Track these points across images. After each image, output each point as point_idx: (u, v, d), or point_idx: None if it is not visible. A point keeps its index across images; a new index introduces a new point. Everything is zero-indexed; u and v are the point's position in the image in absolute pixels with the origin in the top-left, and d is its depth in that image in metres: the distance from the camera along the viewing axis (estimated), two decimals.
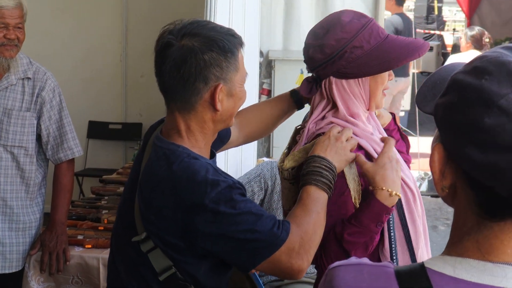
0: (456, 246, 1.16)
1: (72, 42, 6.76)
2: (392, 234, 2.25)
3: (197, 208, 1.98)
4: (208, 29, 2.09)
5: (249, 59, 4.19)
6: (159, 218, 2.03)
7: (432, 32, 17.81)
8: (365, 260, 1.22)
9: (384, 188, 2.10)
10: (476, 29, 8.67)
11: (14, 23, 3.38)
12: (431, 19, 18.40)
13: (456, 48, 13.02)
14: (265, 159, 5.06)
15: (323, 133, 2.25)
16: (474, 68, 1.11)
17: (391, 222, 2.25)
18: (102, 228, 3.66)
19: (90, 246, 3.42)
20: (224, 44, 2.06)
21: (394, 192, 2.12)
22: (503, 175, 1.05)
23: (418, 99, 1.27)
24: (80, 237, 3.52)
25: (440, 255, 1.17)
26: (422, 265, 1.14)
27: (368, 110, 2.32)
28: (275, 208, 3.66)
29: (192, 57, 2.03)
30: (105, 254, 3.35)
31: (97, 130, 6.97)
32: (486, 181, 1.08)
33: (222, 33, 2.09)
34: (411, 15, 20.98)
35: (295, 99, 2.60)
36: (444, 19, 19.68)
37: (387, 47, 2.23)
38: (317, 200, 2.10)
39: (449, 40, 17.16)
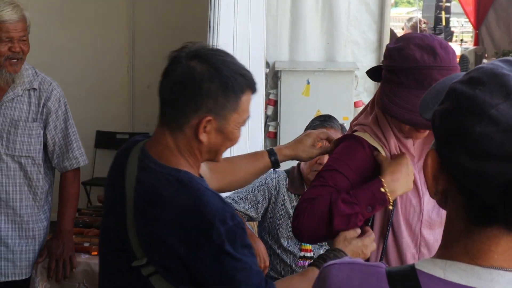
0: (446, 250, 1.20)
1: (80, 53, 6.81)
2: (387, 234, 2.33)
3: (203, 242, 1.96)
4: (221, 61, 2.05)
5: (255, 69, 4.23)
6: (161, 246, 1.99)
7: None
8: (359, 260, 1.27)
9: (384, 180, 2.24)
10: (414, 19, 9.95)
11: (18, 36, 3.41)
12: (439, 30, 18.39)
13: (464, 59, 13.04)
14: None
15: None
16: (470, 78, 1.16)
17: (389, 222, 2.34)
18: None
19: (96, 253, 3.46)
20: (228, 81, 2.03)
21: (388, 195, 2.20)
22: (490, 182, 1.09)
23: (421, 107, 1.33)
24: (86, 244, 3.57)
25: (431, 257, 1.21)
26: (412, 267, 1.18)
27: None
28: (279, 217, 3.70)
29: (190, 80, 2.01)
30: None
31: (105, 140, 7.03)
32: (474, 188, 1.12)
33: (232, 70, 2.05)
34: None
35: (273, 159, 2.61)
36: (452, 29, 19.68)
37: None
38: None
39: (457, 51, 17.17)
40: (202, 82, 2.01)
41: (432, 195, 1.23)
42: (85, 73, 6.83)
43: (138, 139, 2.20)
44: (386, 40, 6.47)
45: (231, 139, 2.11)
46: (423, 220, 2.44)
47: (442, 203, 1.23)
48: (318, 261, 2.24)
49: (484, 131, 1.09)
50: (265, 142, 5.91)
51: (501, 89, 1.10)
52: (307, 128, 3.67)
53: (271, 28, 6.31)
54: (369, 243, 2.29)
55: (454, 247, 1.19)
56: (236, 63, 2.10)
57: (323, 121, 3.72)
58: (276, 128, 6.34)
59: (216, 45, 3.20)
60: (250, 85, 2.09)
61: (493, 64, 1.16)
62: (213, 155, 2.15)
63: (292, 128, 5.87)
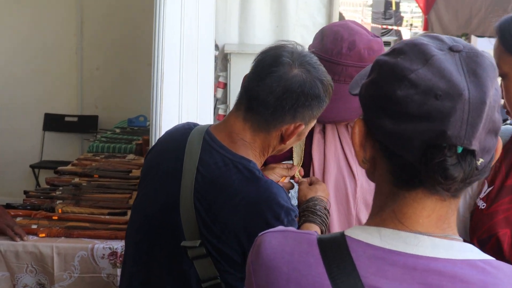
0: (375, 216, 1.25)
1: (27, 34, 6.76)
2: None
3: (268, 229, 1.98)
4: (321, 72, 2.08)
5: (205, 52, 4.23)
6: (223, 230, 2.00)
7: (389, 27, 17.99)
8: (291, 228, 1.32)
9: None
10: None
11: None
12: (389, 14, 18.58)
13: None
14: None
15: None
16: (392, 50, 1.23)
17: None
18: (56, 217, 3.68)
19: (44, 235, 3.43)
20: (324, 94, 2.07)
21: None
22: (411, 142, 1.15)
23: (351, 86, 1.39)
24: (34, 226, 3.54)
25: (361, 225, 1.27)
26: (342, 234, 1.23)
27: None
28: None
29: (300, 91, 2.02)
30: (58, 243, 3.38)
31: (53, 123, 6.99)
32: (396, 150, 1.18)
33: (327, 81, 2.08)
34: (368, 10, 21.19)
35: None
36: (402, 14, 19.88)
37: None
38: None
39: (406, 35, 17.35)
40: (309, 95, 2.03)
41: (361, 163, 1.28)
42: (32, 54, 6.78)
43: (192, 124, 2.21)
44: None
45: (295, 142, 2.18)
46: (358, 200, 2.52)
47: (370, 173, 1.28)
48: (309, 216, 2.30)
49: (404, 94, 1.15)
50: None
51: (419, 56, 1.17)
52: None
53: (221, 11, 6.31)
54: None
55: (381, 213, 1.24)
56: (326, 72, 2.12)
57: None
58: (225, 111, 6.35)
59: (162, 30, 3.18)
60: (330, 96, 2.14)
61: (415, 38, 1.24)
62: (275, 153, 2.21)
63: None
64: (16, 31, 6.75)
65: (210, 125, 2.17)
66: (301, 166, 2.57)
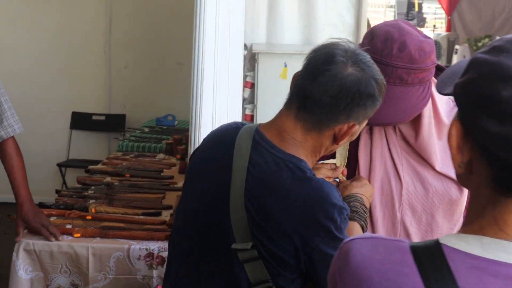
0: (471, 224, 1.18)
1: (56, 33, 6.76)
2: None
3: (322, 229, 1.95)
4: (375, 71, 2.03)
5: (235, 52, 4.20)
6: (275, 231, 1.96)
7: None
8: (379, 235, 1.26)
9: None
10: None
11: None
12: (412, 15, 18.49)
13: (436, 44, 13.10)
14: None
15: None
16: (492, 47, 1.17)
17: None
18: (90, 217, 3.65)
19: (79, 235, 3.40)
20: (379, 94, 2.03)
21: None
22: None
23: (438, 85, 1.32)
24: (68, 226, 3.51)
25: (455, 233, 1.19)
26: (437, 241, 1.16)
27: None
28: None
29: (355, 90, 1.97)
30: (94, 243, 3.35)
31: (81, 121, 6.99)
32: (501, 153, 1.11)
33: (380, 80, 2.04)
34: (391, 12, 21.09)
35: None
36: (424, 15, 19.78)
37: None
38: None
39: (430, 36, 17.28)
40: (364, 96, 1.99)
41: (457, 167, 1.21)
42: (60, 53, 6.77)
43: (240, 123, 2.17)
44: (364, 23, 6.46)
45: (349, 140, 2.14)
46: (403, 203, 2.46)
47: (464, 177, 1.22)
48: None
49: (511, 95, 1.09)
50: None
51: None
52: None
53: (249, 10, 6.26)
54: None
55: (479, 220, 1.17)
56: (379, 71, 2.07)
57: None
58: (252, 111, 6.32)
59: (203, 31, 3.15)
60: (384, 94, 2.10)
61: None
62: (326, 154, 2.18)
63: (268, 110, 5.87)
64: (44, 30, 6.75)
65: (259, 124, 2.12)
66: (345, 166, 2.53)
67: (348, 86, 1.96)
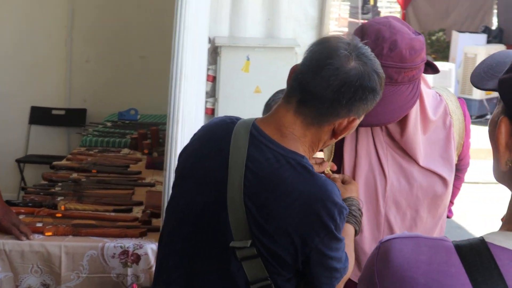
0: None
1: (15, 24, 6.62)
2: None
3: (322, 228, 1.93)
4: (377, 65, 2.01)
5: (201, 47, 4.16)
6: (276, 229, 1.93)
7: None
8: (419, 233, 1.21)
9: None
10: None
11: None
12: (367, 9, 18.62)
13: None
14: None
15: None
16: None
17: None
18: (60, 215, 3.56)
19: (50, 233, 3.30)
20: (381, 87, 2.02)
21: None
22: None
23: (475, 80, 1.28)
24: (39, 224, 3.42)
25: (498, 231, 1.16)
26: (482, 240, 1.13)
27: None
28: None
29: (358, 84, 1.94)
30: (66, 242, 3.26)
31: (40, 116, 6.84)
32: None
33: (381, 73, 2.02)
34: (346, 5, 21.20)
35: None
36: (379, 9, 19.93)
37: None
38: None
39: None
40: (366, 90, 1.96)
41: (503, 165, 1.17)
42: (20, 46, 6.64)
43: (235, 117, 2.11)
44: (327, 17, 6.47)
45: (347, 134, 2.13)
46: (387, 199, 2.45)
47: (509, 175, 1.18)
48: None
49: None
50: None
51: None
52: (269, 102, 3.53)
53: (212, 3, 6.22)
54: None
55: None
56: (380, 64, 2.05)
57: None
58: (213, 104, 6.27)
59: (183, 24, 3.10)
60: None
61: None
62: (323, 147, 2.14)
63: (230, 104, 5.86)
64: (3, 22, 6.59)
65: (256, 119, 2.07)
66: (331, 161, 2.50)
67: (351, 80, 1.93)
